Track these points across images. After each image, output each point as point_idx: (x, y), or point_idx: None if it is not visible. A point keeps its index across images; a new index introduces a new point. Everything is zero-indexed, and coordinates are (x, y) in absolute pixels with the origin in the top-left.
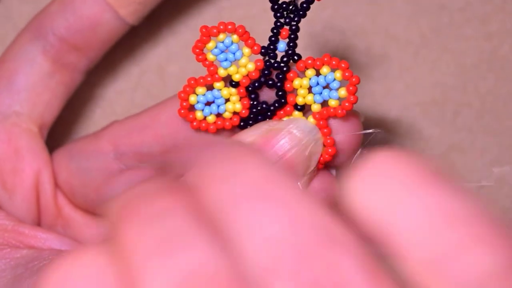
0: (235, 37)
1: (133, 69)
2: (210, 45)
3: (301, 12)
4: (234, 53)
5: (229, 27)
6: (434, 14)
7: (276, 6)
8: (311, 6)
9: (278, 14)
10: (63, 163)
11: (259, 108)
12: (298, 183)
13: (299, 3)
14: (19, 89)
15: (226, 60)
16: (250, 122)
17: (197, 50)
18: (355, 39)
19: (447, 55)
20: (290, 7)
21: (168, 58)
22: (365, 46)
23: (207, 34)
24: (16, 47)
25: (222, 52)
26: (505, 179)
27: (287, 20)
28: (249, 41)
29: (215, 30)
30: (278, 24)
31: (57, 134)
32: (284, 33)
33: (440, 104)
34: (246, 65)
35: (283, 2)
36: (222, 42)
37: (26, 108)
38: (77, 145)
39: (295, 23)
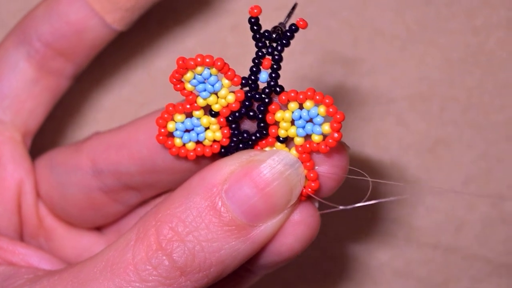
0: (214, 69)
1: (121, 64)
2: (188, 75)
3: (284, 41)
4: (213, 85)
5: (207, 60)
6: (420, 9)
7: (257, 36)
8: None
9: (260, 44)
10: (44, 174)
11: (240, 137)
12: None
13: (286, 26)
14: (1, 96)
15: (205, 90)
16: (231, 150)
17: (174, 80)
18: (341, 34)
19: (434, 49)
20: (274, 35)
21: (155, 53)
22: (351, 41)
23: (184, 66)
24: (0, 52)
25: (200, 83)
26: (491, 173)
27: (269, 50)
28: (229, 73)
29: (192, 63)
30: (260, 54)
31: (45, 128)
32: (266, 63)
33: (427, 98)
34: (226, 96)
35: (266, 31)
36: (200, 74)
37: (9, 115)
38: (57, 156)
39: (278, 53)
